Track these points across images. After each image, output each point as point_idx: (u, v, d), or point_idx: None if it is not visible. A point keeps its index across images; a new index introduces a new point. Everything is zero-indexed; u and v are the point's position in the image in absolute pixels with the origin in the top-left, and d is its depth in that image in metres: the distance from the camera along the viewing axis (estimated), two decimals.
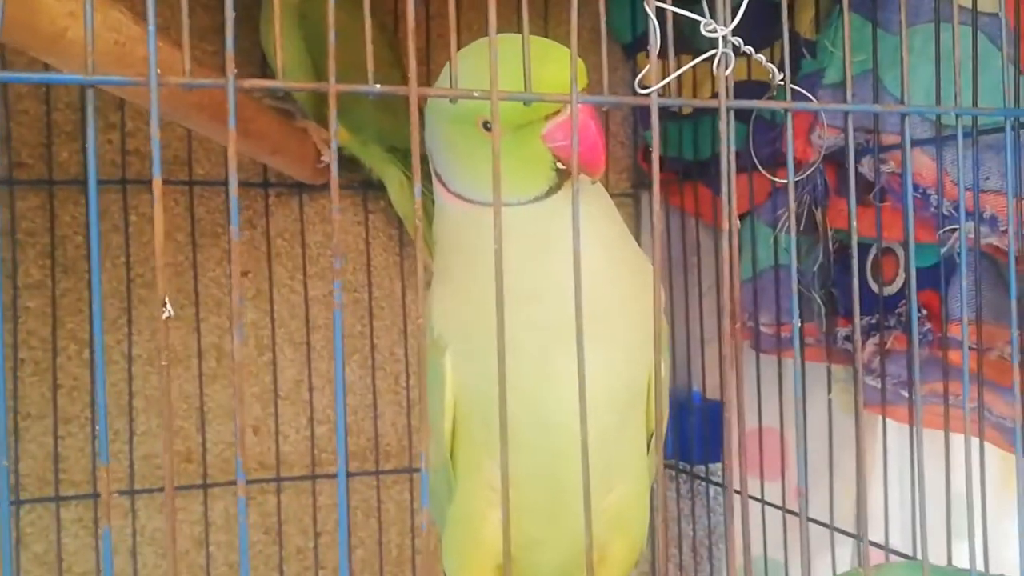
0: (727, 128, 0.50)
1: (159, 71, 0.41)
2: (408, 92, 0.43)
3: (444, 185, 0.59)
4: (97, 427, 1.07)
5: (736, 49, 0.50)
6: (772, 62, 0.54)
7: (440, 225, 0.61)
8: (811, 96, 0.57)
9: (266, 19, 1.02)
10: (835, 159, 0.93)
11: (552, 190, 0.56)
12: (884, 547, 0.87)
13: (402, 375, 1.20)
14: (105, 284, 1.07)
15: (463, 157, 0.57)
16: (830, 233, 0.96)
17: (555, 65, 0.50)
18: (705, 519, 1.27)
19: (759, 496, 1.04)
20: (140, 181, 1.09)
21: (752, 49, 0.51)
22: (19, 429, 1.06)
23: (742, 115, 0.96)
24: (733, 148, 0.50)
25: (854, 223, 0.53)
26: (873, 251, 0.93)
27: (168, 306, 0.41)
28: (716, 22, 0.49)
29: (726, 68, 0.49)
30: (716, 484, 1.21)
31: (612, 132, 1.27)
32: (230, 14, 0.41)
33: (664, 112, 0.70)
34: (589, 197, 0.56)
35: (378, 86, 0.44)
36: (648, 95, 0.47)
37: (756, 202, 1.05)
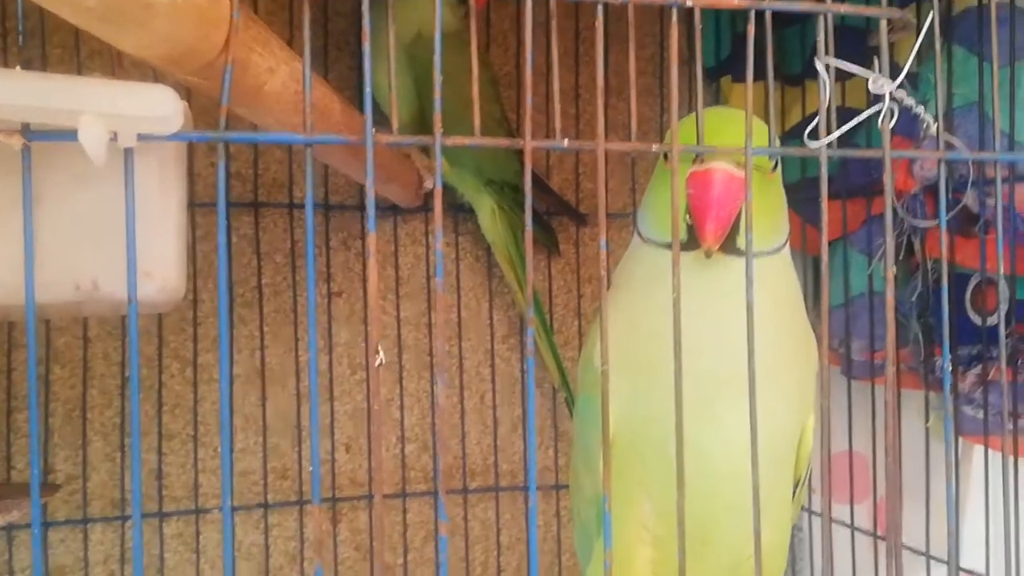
0: (889, 179, 0.52)
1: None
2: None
3: (636, 226, 0.62)
4: (205, 443, 1.10)
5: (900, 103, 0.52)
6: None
7: (623, 262, 0.63)
8: (968, 149, 0.58)
9: (376, 67, 1.04)
10: (935, 189, 0.93)
11: (688, 244, 0.55)
12: None
13: (488, 394, 1.22)
14: (207, 304, 1.10)
15: (648, 193, 0.60)
16: (929, 263, 0.97)
17: (731, 124, 0.53)
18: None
19: (848, 521, 1.05)
20: (241, 203, 1.12)
21: (914, 102, 0.52)
22: (124, 446, 1.09)
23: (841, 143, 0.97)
24: (892, 195, 0.52)
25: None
26: (973, 282, 0.94)
27: (381, 353, 0.43)
28: (883, 76, 0.51)
29: (891, 121, 0.52)
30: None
31: None
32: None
33: None
34: (763, 260, 0.58)
35: (566, 141, 0.47)
36: (818, 148, 0.51)
37: (849, 229, 1.06)
